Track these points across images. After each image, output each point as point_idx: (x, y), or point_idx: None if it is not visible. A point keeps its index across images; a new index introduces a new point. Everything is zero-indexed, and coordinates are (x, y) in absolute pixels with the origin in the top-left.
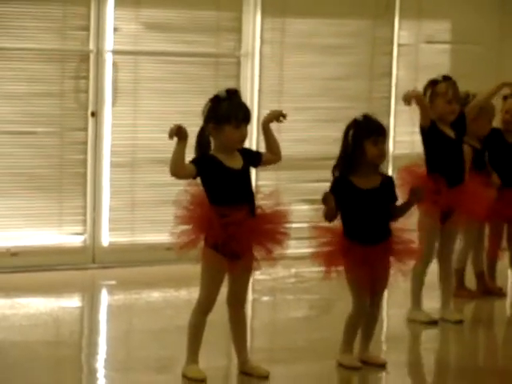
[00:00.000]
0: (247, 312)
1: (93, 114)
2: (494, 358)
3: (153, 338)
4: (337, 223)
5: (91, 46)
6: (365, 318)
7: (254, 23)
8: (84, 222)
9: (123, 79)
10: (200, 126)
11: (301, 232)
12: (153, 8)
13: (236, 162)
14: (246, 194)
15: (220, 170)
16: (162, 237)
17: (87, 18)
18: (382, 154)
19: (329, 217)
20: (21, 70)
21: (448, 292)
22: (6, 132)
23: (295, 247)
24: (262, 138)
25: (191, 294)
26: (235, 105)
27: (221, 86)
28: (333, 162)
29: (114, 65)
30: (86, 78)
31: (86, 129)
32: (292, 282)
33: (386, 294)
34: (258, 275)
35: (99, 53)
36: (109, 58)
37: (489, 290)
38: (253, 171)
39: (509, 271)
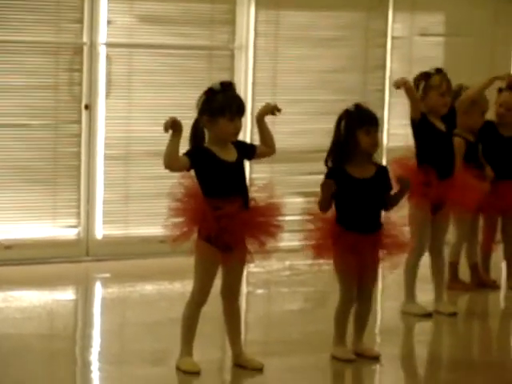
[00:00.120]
0: (241, 305)
1: (86, 107)
2: (488, 350)
3: (147, 330)
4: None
5: (85, 39)
6: (352, 307)
7: (247, 16)
8: (78, 214)
9: (117, 72)
10: (194, 118)
11: (295, 224)
12: (146, 1)
13: (230, 155)
14: (239, 187)
15: (214, 163)
16: (156, 229)
17: (81, 11)
18: (375, 143)
19: (324, 206)
20: (14, 63)
21: (441, 285)
22: None
23: (290, 240)
24: (255, 130)
25: (185, 287)
26: (229, 97)
27: (215, 78)
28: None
29: (108, 57)
30: (80, 70)
31: (79, 121)
32: (287, 274)
33: (379, 286)
34: (252, 268)
35: (93, 45)
36: (102, 51)
37: (483, 282)
38: (247, 164)
39: (503, 264)
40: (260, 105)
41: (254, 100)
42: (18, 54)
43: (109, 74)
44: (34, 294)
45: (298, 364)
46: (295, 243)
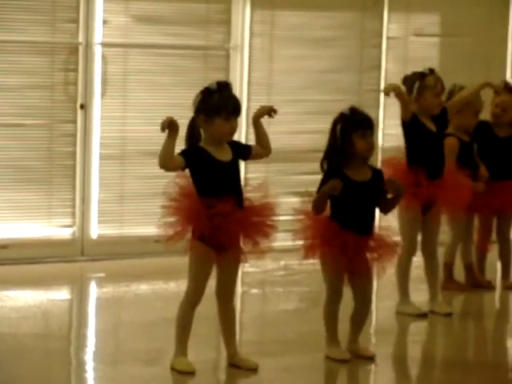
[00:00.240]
0: (236, 304)
1: (82, 107)
2: (483, 351)
3: (142, 330)
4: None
5: (80, 39)
6: (339, 305)
7: (243, 16)
8: (73, 214)
9: (112, 72)
10: (190, 117)
11: (290, 224)
12: (142, 0)
13: (225, 155)
14: (234, 187)
15: (209, 162)
16: (151, 229)
17: (76, 11)
18: (371, 147)
19: (321, 207)
20: (10, 63)
21: (435, 285)
22: None
23: (284, 240)
24: (250, 130)
25: (180, 287)
26: (226, 97)
27: (210, 78)
28: (322, 155)
29: (103, 57)
30: (75, 70)
31: (75, 121)
32: (281, 274)
33: (374, 286)
34: (247, 268)
35: (88, 45)
36: (98, 51)
37: (478, 283)
38: (242, 163)
39: (498, 264)
40: (255, 105)
41: (249, 100)
42: (14, 53)
43: (104, 73)
44: (29, 294)
45: (293, 364)
46: (290, 243)
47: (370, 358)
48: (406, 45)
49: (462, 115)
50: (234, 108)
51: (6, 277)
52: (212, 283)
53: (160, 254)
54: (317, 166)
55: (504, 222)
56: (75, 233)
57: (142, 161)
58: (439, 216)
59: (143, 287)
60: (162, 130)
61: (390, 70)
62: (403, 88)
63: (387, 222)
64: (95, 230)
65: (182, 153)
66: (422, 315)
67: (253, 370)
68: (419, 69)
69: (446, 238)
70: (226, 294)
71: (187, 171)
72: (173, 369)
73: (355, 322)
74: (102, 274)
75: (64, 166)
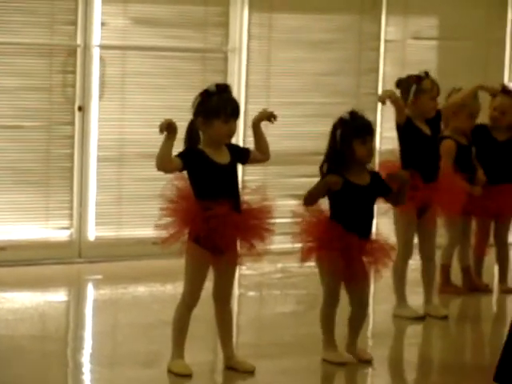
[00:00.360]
0: (233, 307)
1: (80, 109)
2: (480, 354)
3: (139, 332)
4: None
5: (79, 41)
6: (336, 309)
7: (241, 18)
8: (70, 216)
9: (110, 74)
10: (189, 120)
11: (287, 227)
12: (140, 3)
13: (223, 157)
14: (231, 189)
15: (206, 165)
16: (149, 231)
17: (75, 13)
18: (370, 154)
19: (314, 200)
20: (8, 65)
21: (430, 288)
22: None
23: (281, 242)
24: (248, 133)
25: (177, 289)
26: (224, 99)
27: (208, 80)
28: (320, 158)
29: (102, 59)
30: (74, 72)
31: (73, 123)
32: (279, 277)
33: (371, 290)
34: (244, 270)
35: (86, 47)
36: (96, 53)
37: (475, 286)
38: (240, 166)
39: (495, 267)
40: (253, 107)
41: (247, 102)
42: (12, 55)
43: (102, 75)
44: (26, 296)
45: (290, 366)
46: (287, 246)
47: (368, 362)
48: (404, 48)
49: (458, 118)
50: (232, 110)
51: (3, 278)
52: (209, 286)
53: (157, 256)
54: (315, 168)
55: (501, 225)
56: (73, 235)
57: (140, 163)
58: (435, 219)
59: (140, 289)
60: (161, 131)
61: (388, 73)
62: (397, 91)
63: (384, 226)
64: (93, 232)
65: (180, 155)
66: (419, 318)
67: (250, 372)
68: (417, 72)
69: (443, 241)
70: (223, 297)
71: (185, 173)
72: (170, 371)
73: (353, 325)
74: (99, 276)
75: (62, 167)
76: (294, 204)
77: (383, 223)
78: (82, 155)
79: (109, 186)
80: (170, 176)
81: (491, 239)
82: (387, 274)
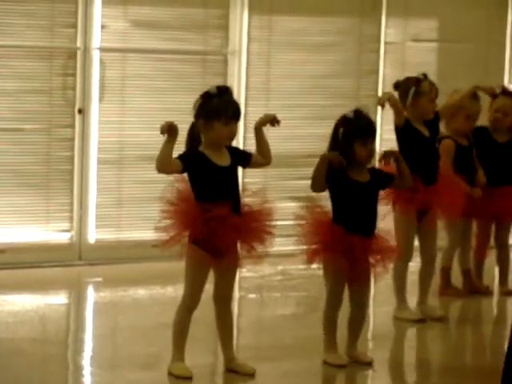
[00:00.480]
0: (234, 309)
1: (80, 111)
2: (481, 356)
3: (139, 335)
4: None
5: (79, 44)
6: (339, 311)
7: (241, 21)
8: (71, 218)
9: (110, 76)
10: (190, 122)
11: (288, 229)
12: (140, 5)
13: (224, 160)
14: (231, 192)
15: (207, 167)
16: (149, 234)
17: (75, 16)
18: (371, 156)
19: (317, 182)
20: (8, 67)
21: (426, 290)
22: None
23: (282, 244)
24: (248, 135)
25: (177, 291)
26: (225, 101)
27: (208, 83)
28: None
29: (102, 62)
30: (74, 75)
31: (73, 126)
32: (279, 279)
33: (372, 291)
34: (244, 273)
35: (87, 50)
36: (96, 56)
37: (476, 288)
38: (240, 168)
39: (495, 269)
40: (253, 110)
41: (247, 105)
42: (12, 58)
43: (102, 78)
44: (27, 298)
45: (291, 369)
46: (288, 248)
47: (368, 364)
48: (404, 50)
49: (455, 119)
50: (233, 112)
51: (4, 281)
52: (209, 288)
53: (158, 259)
54: None
55: (502, 227)
56: (73, 237)
57: (140, 165)
58: (435, 221)
59: (141, 292)
60: (162, 133)
61: (388, 75)
62: (396, 93)
63: (386, 225)
64: (93, 235)
65: (180, 157)
66: (420, 320)
67: (250, 375)
68: (416, 74)
69: (443, 244)
70: (223, 299)
71: (185, 175)
72: (170, 374)
73: (352, 327)
74: (99, 279)
75: (62, 170)
76: (294, 206)
77: (385, 222)
78: (82, 158)
79: (109, 188)
80: (170, 178)
81: (492, 241)
82: (388, 276)
